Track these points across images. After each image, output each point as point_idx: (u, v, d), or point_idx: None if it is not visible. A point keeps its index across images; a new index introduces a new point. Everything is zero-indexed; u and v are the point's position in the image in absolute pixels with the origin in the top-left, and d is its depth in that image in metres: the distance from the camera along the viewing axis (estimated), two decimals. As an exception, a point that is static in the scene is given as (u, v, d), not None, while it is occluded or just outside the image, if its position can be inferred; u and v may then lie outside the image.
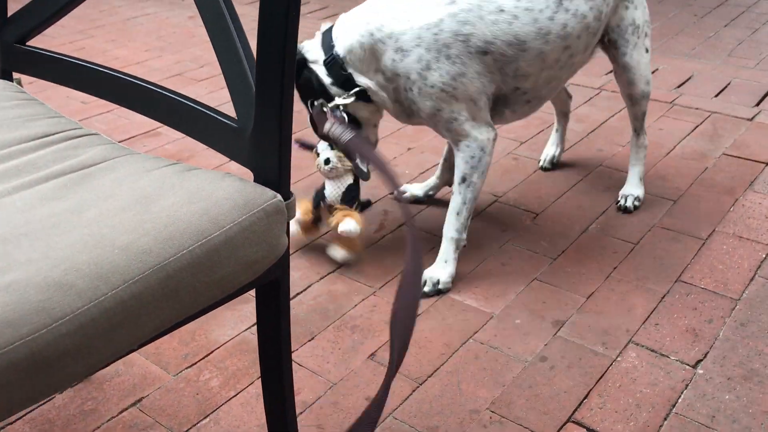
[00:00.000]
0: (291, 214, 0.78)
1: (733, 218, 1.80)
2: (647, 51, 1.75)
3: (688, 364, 1.35)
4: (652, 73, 2.71)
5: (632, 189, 1.86)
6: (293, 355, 1.38)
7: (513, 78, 1.52)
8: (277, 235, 0.74)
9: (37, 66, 1.05)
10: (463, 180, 1.56)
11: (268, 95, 0.75)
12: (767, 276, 1.59)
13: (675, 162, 2.08)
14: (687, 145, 2.18)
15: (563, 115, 2.06)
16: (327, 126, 1.44)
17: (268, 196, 0.74)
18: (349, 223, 1.60)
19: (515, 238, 1.76)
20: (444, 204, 1.74)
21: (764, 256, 1.65)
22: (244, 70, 0.78)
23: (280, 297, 0.79)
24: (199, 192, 0.72)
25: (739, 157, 2.10)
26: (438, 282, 1.57)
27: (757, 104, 2.44)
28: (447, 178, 1.88)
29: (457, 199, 1.58)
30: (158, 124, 2.37)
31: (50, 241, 0.63)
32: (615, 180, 2.00)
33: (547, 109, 2.40)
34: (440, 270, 1.58)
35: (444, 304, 1.52)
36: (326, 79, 1.53)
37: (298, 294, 1.56)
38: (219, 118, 0.81)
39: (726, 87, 2.58)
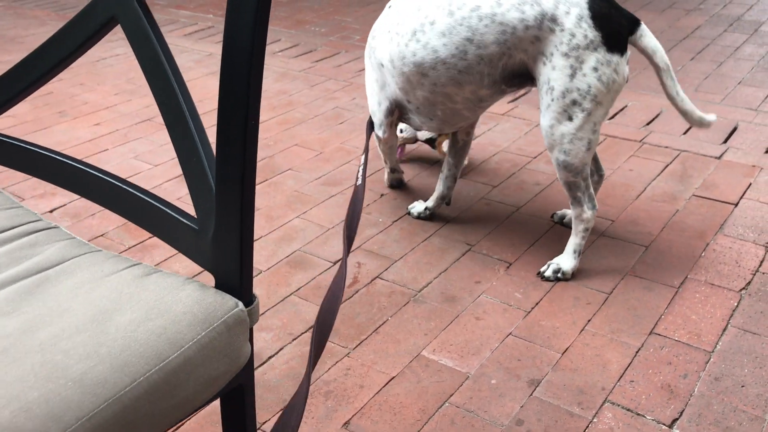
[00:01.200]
0: (254, 318, 0.76)
1: (705, 264, 1.81)
2: (571, 120, 1.62)
3: (664, 424, 1.34)
4: (622, 110, 2.74)
5: (560, 259, 1.78)
6: (264, 427, 1.36)
7: (400, 90, 1.84)
8: (238, 346, 0.72)
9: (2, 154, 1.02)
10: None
11: (228, 198, 0.73)
12: (739, 326, 1.59)
13: (645, 205, 2.09)
14: (657, 186, 2.20)
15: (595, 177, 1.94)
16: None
17: (229, 306, 0.72)
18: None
19: (489, 289, 1.75)
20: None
21: (736, 304, 1.66)
22: (203, 170, 0.77)
23: (245, 403, 0.77)
24: (156, 306, 0.70)
25: (708, 198, 2.12)
26: (559, 270, 1.77)
27: (725, 141, 2.47)
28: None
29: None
30: (128, 174, 2.35)
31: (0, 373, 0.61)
32: (587, 225, 2.00)
33: (518, 151, 2.41)
34: (569, 260, 1.77)
35: (419, 365, 1.51)
36: None
37: (270, 357, 1.54)
38: (180, 218, 0.79)
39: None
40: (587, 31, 1.57)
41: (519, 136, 2.56)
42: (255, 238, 1.99)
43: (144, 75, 0.85)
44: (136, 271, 0.78)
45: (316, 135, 2.61)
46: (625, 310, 1.66)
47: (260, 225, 2.04)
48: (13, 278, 0.78)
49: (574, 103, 1.61)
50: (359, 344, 1.57)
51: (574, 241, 1.77)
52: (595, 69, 1.58)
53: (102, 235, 1.99)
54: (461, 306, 1.69)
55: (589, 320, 1.63)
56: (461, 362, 1.51)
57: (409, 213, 2.09)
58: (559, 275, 1.77)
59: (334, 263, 1.86)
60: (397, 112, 1.93)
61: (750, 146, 2.43)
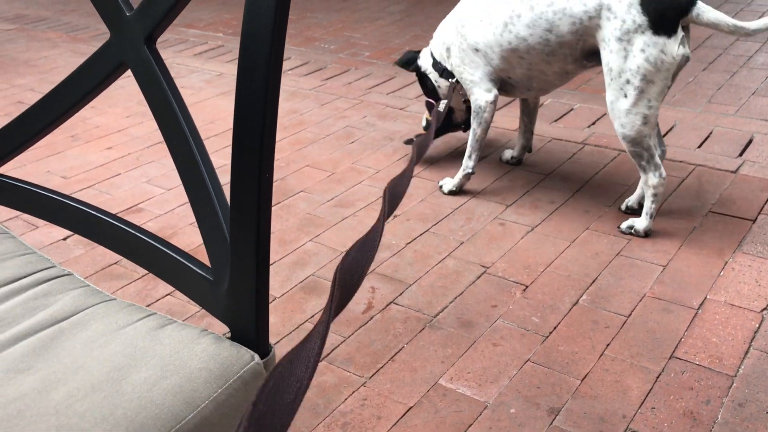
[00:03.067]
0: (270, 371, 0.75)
1: (724, 284, 1.79)
2: (626, 96, 1.85)
3: (687, 454, 1.32)
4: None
5: (636, 219, 2.02)
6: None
7: (500, 69, 2.11)
8: (256, 401, 0.70)
9: (13, 197, 1.02)
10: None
11: (243, 249, 0.72)
12: (762, 348, 1.56)
13: (662, 222, 2.06)
14: (673, 203, 2.17)
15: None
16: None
17: (245, 360, 0.71)
18: None
19: (506, 314, 1.73)
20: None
21: (757, 325, 1.64)
22: (218, 221, 0.76)
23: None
24: (172, 361, 0.69)
25: (725, 215, 2.09)
26: (633, 227, 2.00)
27: (740, 154, 2.44)
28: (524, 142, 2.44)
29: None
30: (141, 199, 2.35)
31: (15, 439, 0.60)
32: (603, 245, 1.98)
33: (532, 168, 2.39)
34: (642, 221, 1.99)
35: (437, 394, 1.49)
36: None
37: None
38: (194, 269, 0.78)
39: (708, 136, 2.58)
40: (635, 17, 1.78)
41: (532, 152, 2.55)
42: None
43: (156, 122, 0.85)
44: (150, 323, 0.77)
45: (327, 155, 2.61)
46: (645, 333, 1.63)
47: (273, 249, 2.04)
48: (27, 331, 0.77)
49: (628, 82, 1.83)
50: (375, 373, 1.56)
51: (646, 205, 1.98)
52: (643, 50, 1.79)
53: (116, 263, 1.99)
54: (478, 331, 1.67)
55: (608, 344, 1.61)
56: (479, 391, 1.49)
57: (440, 188, 2.31)
58: (632, 231, 2.00)
59: (349, 288, 1.85)
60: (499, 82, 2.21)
61: (766, 159, 2.40)
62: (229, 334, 0.77)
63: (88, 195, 2.40)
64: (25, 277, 0.88)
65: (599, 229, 2.06)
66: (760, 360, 1.53)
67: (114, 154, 2.71)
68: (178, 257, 0.80)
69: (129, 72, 0.89)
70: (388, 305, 1.78)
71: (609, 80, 1.88)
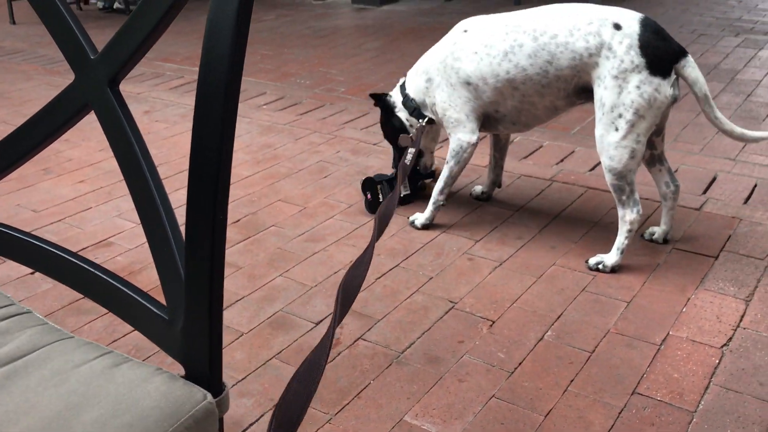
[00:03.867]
0: (224, 408, 0.76)
1: (686, 320, 1.82)
2: (617, 130, 1.93)
3: (647, 490, 1.33)
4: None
5: (606, 255, 2.07)
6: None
7: (491, 102, 2.14)
8: (208, 440, 0.71)
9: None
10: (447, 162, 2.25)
11: (197, 290, 0.74)
12: (721, 384, 1.59)
13: (627, 259, 2.10)
14: (639, 240, 2.21)
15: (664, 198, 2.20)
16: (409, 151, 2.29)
17: (198, 398, 0.72)
18: None
19: (472, 349, 1.74)
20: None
21: (717, 361, 1.66)
22: (174, 261, 0.77)
23: (217, 495, 0.76)
24: (124, 400, 0.70)
25: (689, 252, 2.13)
26: (602, 263, 2.04)
27: (704, 192, 2.50)
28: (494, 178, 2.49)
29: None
30: (110, 233, 2.34)
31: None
32: (569, 280, 2.01)
33: (500, 204, 2.42)
34: (612, 256, 2.04)
35: (401, 431, 1.49)
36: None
37: (250, 425, 1.52)
38: (150, 308, 0.79)
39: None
40: (634, 57, 1.89)
41: (501, 188, 2.59)
42: (237, 298, 1.98)
43: (117, 162, 0.86)
44: (106, 361, 0.78)
45: (300, 190, 2.63)
46: (608, 369, 1.66)
47: (242, 285, 2.04)
48: (-18, 370, 0.77)
49: (620, 116, 1.91)
50: (341, 409, 1.56)
51: (619, 240, 2.04)
52: (638, 87, 1.88)
53: (83, 298, 1.98)
54: (444, 367, 1.68)
55: (572, 380, 1.63)
56: (444, 427, 1.50)
57: (413, 225, 2.33)
58: (600, 266, 2.05)
59: (317, 324, 1.86)
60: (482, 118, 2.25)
61: (729, 197, 2.46)
62: (183, 373, 0.77)
63: (58, 228, 2.39)
64: (-18, 315, 0.89)
65: (565, 264, 2.09)
66: (719, 396, 1.56)
67: (86, 187, 2.70)
68: (135, 296, 0.81)
69: None
70: (356, 341, 1.79)
71: (600, 115, 1.96)
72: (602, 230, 2.27)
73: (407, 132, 2.40)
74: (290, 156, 2.94)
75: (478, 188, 2.52)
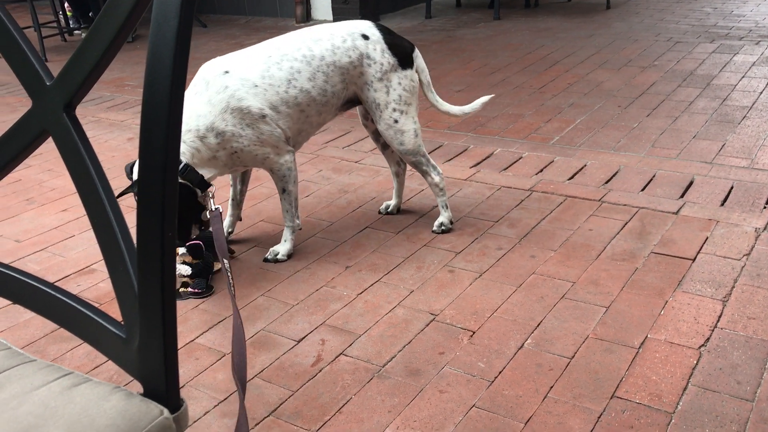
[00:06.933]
0: (183, 423, 0.76)
1: (664, 322, 1.83)
2: (396, 121, 2.26)
3: (626, 492, 1.33)
4: (581, 169, 2.80)
5: (440, 218, 2.40)
6: None
7: (284, 129, 2.17)
8: (165, 455, 0.72)
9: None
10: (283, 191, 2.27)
11: (150, 307, 0.75)
12: (699, 384, 1.60)
13: (605, 264, 2.12)
14: (617, 245, 2.23)
15: (396, 175, 2.54)
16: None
17: (154, 414, 0.73)
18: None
19: (453, 360, 1.75)
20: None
21: (695, 362, 1.68)
22: (130, 280, 0.78)
23: None
24: (80, 420, 0.70)
25: (667, 255, 2.15)
26: (277, 253, 2.28)
27: (682, 196, 2.52)
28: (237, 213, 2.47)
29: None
30: (93, 260, 2.35)
31: None
32: (548, 288, 2.02)
33: (481, 216, 2.44)
34: (444, 214, 2.40)
35: (382, 443, 1.50)
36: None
37: (232, 445, 1.52)
38: (107, 326, 0.80)
39: (651, 180, 2.67)
40: (389, 59, 2.23)
41: (481, 200, 2.61)
42: (219, 319, 1.99)
43: (74, 185, 0.87)
44: (65, 382, 0.79)
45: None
46: (587, 374, 1.67)
47: (224, 305, 2.05)
48: (-58, 396, 0.78)
49: (395, 109, 2.25)
50: (322, 426, 1.56)
51: (441, 200, 2.39)
52: (399, 83, 2.24)
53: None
54: (425, 379, 1.69)
55: (551, 387, 1.63)
56: (424, 438, 1.51)
57: (276, 260, 2.29)
58: (443, 228, 2.40)
59: (299, 341, 1.87)
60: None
61: (706, 200, 2.48)
62: (142, 390, 0.78)
63: (41, 257, 2.40)
64: (-53, 342, 0.89)
65: (545, 273, 2.11)
66: (697, 396, 1.57)
67: (69, 216, 2.71)
68: (91, 314, 0.82)
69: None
70: (337, 357, 1.79)
71: (379, 113, 2.25)
72: (582, 237, 2.29)
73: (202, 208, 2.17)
74: (270, 178, 2.95)
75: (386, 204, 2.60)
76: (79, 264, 2.34)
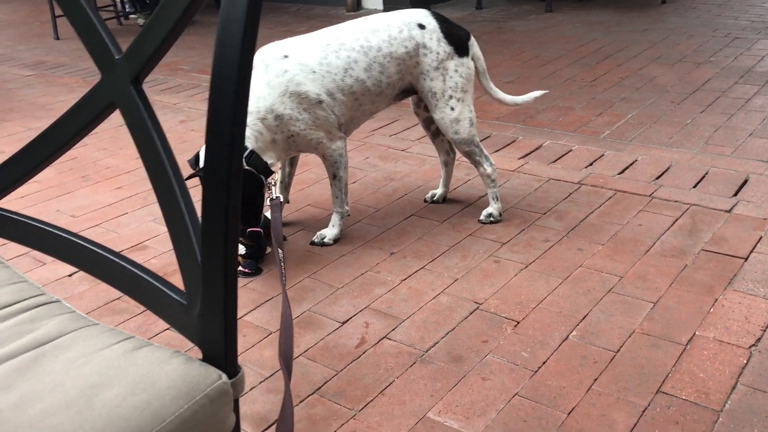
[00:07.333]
0: (240, 389, 0.79)
1: (713, 320, 1.80)
2: (453, 109, 2.26)
3: (670, 487, 1.32)
4: (632, 164, 2.77)
5: (488, 209, 2.40)
6: (269, 491, 1.36)
7: (338, 116, 2.21)
8: (222, 418, 0.74)
9: (7, 229, 1.08)
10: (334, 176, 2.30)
11: (213, 276, 0.77)
12: (749, 384, 1.57)
13: (654, 260, 2.09)
14: (666, 241, 2.20)
15: (445, 164, 2.55)
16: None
17: (213, 378, 0.75)
18: None
19: (496, 349, 1.75)
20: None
21: (745, 361, 1.65)
22: (192, 249, 0.81)
23: (232, 474, 0.79)
24: (143, 380, 0.73)
25: (718, 253, 2.11)
26: (324, 237, 2.30)
27: (735, 194, 2.47)
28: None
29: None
30: (145, 237, 2.41)
31: (-11, 449, 0.64)
32: (595, 282, 2.01)
33: (528, 207, 2.43)
34: (493, 206, 2.40)
35: (424, 427, 1.51)
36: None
37: (276, 420, 1.55)
38: (169, 293, 0.83)
39: (704, 177, 2.62)
40: (445, 47, 2.24)
41: (529, 192, 2.59)
42: (267, 299, 2.02)
43: (140, 156, 0.90)
44: (127, 345, 0.82)
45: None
46: (632, 368, 1.65)
47: (272, 285, 2.08)
48: (12, 353, 0.82)
49: (451, 97, 2.25)
50: (365, 406, 1.58)
51: (491, 192, 2.39)
52: (456, 70, 2.25)
53: (118, 298, 2.04)
54: (468, 366, 1.70)
55: (595, 379, 1.62)
56: (466, 424, 1.51)
57: (323, 243, 2.32)
58: (492, 219, 2.39)
59: (343, 323, 1.89)
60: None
61: (761, 199, 2.42)
62: (201, 356, 0.81)
63: (95, 233, 2.47)
64: (15, 303, 0.93)
65: (592, 266, 2.09)
66: (747, 395, 1.54)
67: (122, 193, 2.78)
68: (154, 281, 0.84)
69: None
70: (380, 340, 1.81)
71: (435, 102, 2.26)
72: (631, 232, 2.26)
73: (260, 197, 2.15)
74: (320, 162, 2.98)
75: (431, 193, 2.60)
76: (132, 240, 2.40)
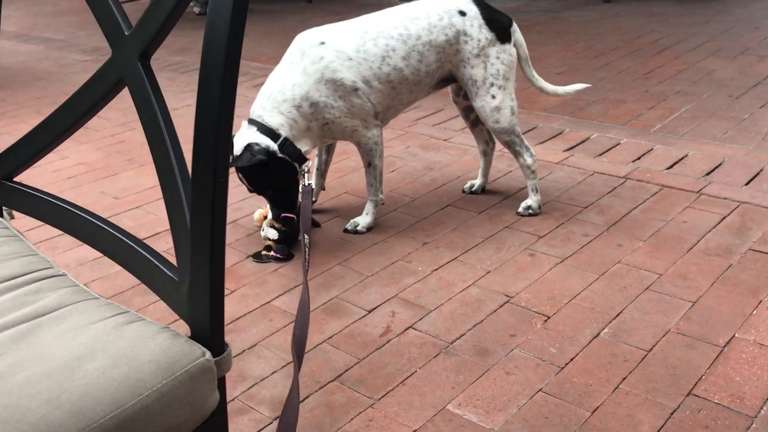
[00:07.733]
0: (225, 367, 0.78)
1: (755, 323, 1.72)
2: (494, 97, 2.21)
3: (693, 494, 1.27)
4: (681, 159, 2.66)
5: (527, 201, 2.34)
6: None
7: (373, 103, 2.17)
8: (203, 395, 0.74)
9: (22, 202, 1.10)
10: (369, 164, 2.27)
11: (200, 253, 0.76)
12: (788, 390, 1.49)
13: (697, 259, 2.01)
14: (712, 239, 2.11)
15: (484, 154, 2.50)
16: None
17: (196, 355, 0.74)
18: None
19: (524, 343, 1.71)
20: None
21: (786, 367, 1.56)
22: (186, 227, 0.80)
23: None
24: (126, 353, 0.73)
25: (766, 253, 2.01)
26: (357, 225, 2.28)
27: (790, 192, 2.35)
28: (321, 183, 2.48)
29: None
30: (182, 220, 2.44)
31: (-33, 414, 0.65)
32: (633, 279, 1.94)
33: (569, 201, 2.36)
34: (533, 198, 2.34)
35: (443, 419, 1.48)
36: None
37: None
38: (162, 268, 0.83)
39: (758, 174, 2.50)
40: (486, 34, 2.19)
41: (572, 185, 2.52)
42: (296, 284, 2.02)
43: (144, 133, 0.90)
44: (119, 319, 0.81)
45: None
46: (664, 368, 1.59)
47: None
48: (11, 323, 0.83)
49: (492, 84, 2.21)
50: (385, 395, 1.56)
51: (530, 183, 2.32)
52: (498, 57, 2.20)
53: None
54: (493, 360, 1.66)
55: (624, 378, 1.57)
56: (486, 418, 1.48)
57: (356, 231, 2.30)
58: (530, 211, 2.33)
59: (370, 311, 1.87)
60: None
61: (817, 198, 2.30)
62: (189, 333, 0.80)
63: (135, 214, 2.51)
64: (22, 275, 0.95)
65: (630, 263, 2.02)
66: (784, 402, 1.46)
67: (165, 177, 2.82)
68: (149, 256, 0.84)
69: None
70: (405, 330, 1.79)
71: (475, 90, 2.22)
72: (675, 228, 2.18)
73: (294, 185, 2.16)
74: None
75: (470, 183, 2.56)
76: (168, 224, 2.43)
